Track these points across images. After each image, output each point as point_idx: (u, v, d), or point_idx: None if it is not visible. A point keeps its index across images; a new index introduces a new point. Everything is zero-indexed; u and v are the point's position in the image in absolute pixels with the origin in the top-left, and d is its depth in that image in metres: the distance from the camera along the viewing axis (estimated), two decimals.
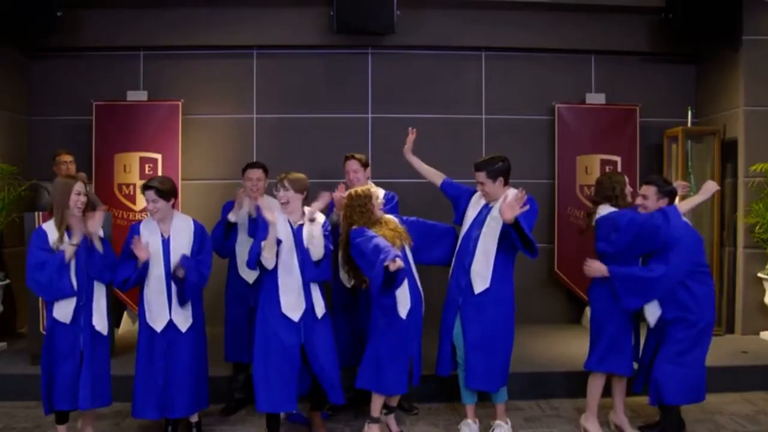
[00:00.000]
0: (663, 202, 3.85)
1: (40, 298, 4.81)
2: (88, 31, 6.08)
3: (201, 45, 6.24)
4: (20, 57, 6.23)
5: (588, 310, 6.22)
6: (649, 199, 3.87)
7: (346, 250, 3.90)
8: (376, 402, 3.97)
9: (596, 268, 3.85)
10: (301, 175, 3.88)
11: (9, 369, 4.80)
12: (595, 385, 4.00)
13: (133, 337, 4.09)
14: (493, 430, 3.99)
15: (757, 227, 5.75)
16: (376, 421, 3.97)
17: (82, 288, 3.64)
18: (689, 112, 6.10)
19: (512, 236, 3.76)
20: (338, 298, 4.46)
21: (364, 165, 4.49)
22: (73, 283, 3.61)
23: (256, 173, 4.41)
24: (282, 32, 6.19)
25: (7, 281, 5.54)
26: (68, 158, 5.42)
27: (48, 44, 6.11)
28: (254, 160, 6.08)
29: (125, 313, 6.01)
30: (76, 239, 3.60)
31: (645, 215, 3.83)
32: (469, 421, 4.03)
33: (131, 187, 6.09)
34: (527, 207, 3.72)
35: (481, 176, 3.89)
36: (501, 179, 3.90)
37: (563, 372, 4.81)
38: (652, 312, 3.83)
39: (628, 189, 4.05)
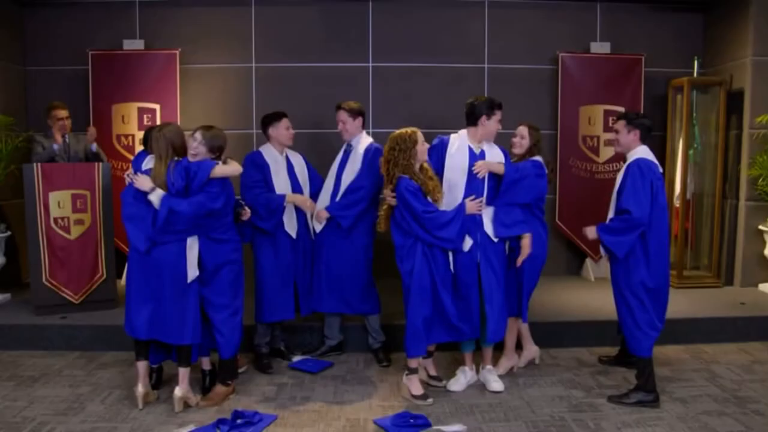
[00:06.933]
0: (634, 135, 3.81)
1: (44, 249, 4.86)
2: None
3: None
4: (15, 6, 6.09)
5: (588, 262, 6.32)
6: (620, 133, 3.86)
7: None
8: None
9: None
10: (219, 133, 3.65)
11: (14, 319, 4.87)
12: None
13: None
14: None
15: (760, 180, 5.71)
16: (414, 371, 3.87)
17: None
18: (696, 62, 5.98)
19: None
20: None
21: (354, 114, 4.37)
22: None
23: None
24: None
25: (9, 233, 5.55)
26: (64, 113, 5.28)
27: None
28: (254, 109, 6.07)
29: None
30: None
31: None
32: (466, 368, 4.09)
33: (129, 138, 6.03)
34: None
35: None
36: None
37: (563, 322, 4.87)
38: None
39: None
